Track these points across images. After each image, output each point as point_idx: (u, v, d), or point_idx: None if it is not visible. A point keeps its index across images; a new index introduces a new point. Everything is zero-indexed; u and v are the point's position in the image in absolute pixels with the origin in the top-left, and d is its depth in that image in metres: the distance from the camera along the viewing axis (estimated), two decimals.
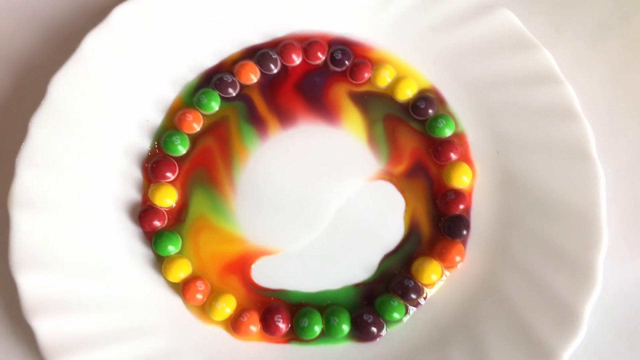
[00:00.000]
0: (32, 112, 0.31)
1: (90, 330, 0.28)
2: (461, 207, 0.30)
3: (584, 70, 0.34)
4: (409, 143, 0.32)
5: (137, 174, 0.32)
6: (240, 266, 0.30)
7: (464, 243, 0.30)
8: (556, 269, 0.28)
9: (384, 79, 0.33)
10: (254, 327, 0.29)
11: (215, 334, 0.29)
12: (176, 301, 0.30)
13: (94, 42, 0.32)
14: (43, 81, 0.31)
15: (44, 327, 0.27)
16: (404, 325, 0.29)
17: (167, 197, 0.31)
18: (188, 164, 0.32)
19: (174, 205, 0.31)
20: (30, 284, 0.28)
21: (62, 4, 0.37)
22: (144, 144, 0.32)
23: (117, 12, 0.33)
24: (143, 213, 0.31)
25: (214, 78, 0.33)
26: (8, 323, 0.30)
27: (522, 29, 0.32)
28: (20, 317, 0.28)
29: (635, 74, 0.34)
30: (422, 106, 0.32)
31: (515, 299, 0.28)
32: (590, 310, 0.27)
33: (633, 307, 0.30)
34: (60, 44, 0.36)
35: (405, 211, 0.31)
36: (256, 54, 0.34)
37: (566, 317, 0.27)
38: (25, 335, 0.29)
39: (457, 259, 0.30)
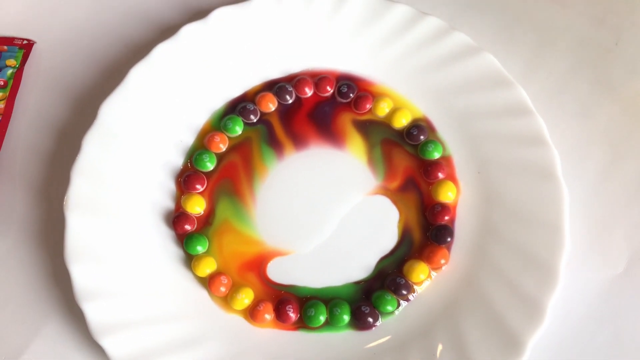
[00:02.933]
0: (85, 131, 0.35)
1: (131, 313, 0.32)
2: (446, 218, 0.34)
3: (555, 104, 0.39)
4: (403, 163, 0.36)
5: (171, 185, 0.36)
6: (257, 264, 0.34)
7: (449, 248, 0.34)
8: (525, 270, 0.31)
9: (383, 109, 0.37)
10: (269, 316, 0.32)
11: (236, 321, 0.33)
12: (202, 293, 0.33)
13: (137, 74, 0.37)
14: (95, 106, 0.36)
15: (92, 310, 0.31)
16: (396, 316, 0.33)
17: (196, 206, 0.35)
18: (215, 176, 0.36)
19: (202, 212, 0.35)
20: (81, 274, 0.32)
21: (111, 41, 0.42)
22: (178, 160, 0.37)
23: (158, 49, 0.37)
24: (176, 218, 0.35)
25: (238, 106, 0.38)
26: (64, 307, 0.34)
27: (501, 69, 0.36)
28: (73, 302, 0.32)
29: (600, 107, 0.38)
30: (415, 133, 0.36)
31: (490, 295, 0.31)
32: (553, 304, 0.30)
33: (593, 304, 0.33)
34: (110, 75, 0.41)
35: (399, 221, 0.35)
36: (274, 86, 0.38)
37: (532, 310, 0.30)
38: (77, 317, 0.33)
39: (442, 261, 0.33)
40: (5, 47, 0.40)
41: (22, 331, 0.34)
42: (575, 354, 0.33)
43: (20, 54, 0.40)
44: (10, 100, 0.38)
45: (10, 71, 0.39)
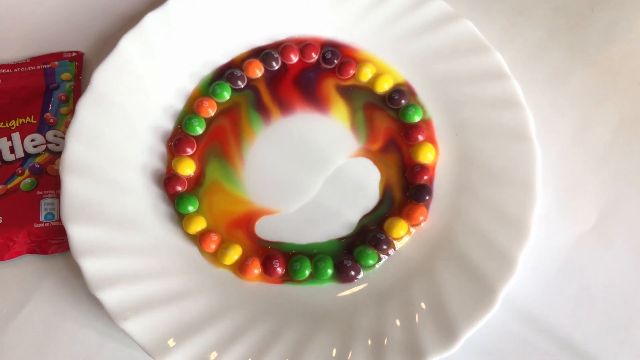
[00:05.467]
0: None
1: (126, 269, 0.33)
2: (425, 178, 0.36)
3: (531, 70, 0.40)
4: (384, 125, 0.38)
5: (162, 149, 0.37)
6: (245, 222, 0.36)
7: (427, 206, 0.35)
8: (499, 226, 0.33)
9: (365, 74, 0.39)
10: (257, 270, 0.34)
11: (225, 276, 0.34)
12: (193, 249, 0.35)
13: (128, 43, 0.38)
14: (89, 73, 0.37)
15: (89, 265, 0.32)
16: (377, 270, 0.34)
17: (187, 168, 0.37)
18: (205, 139, 0.38)
19: (192, 174, 0.37)
20: (77, 232, 0.33)
21: (103, 11, 0.43)
22: (168, 125, 0.38)
23: (148, 18, 0.39)
24: (167, 180, 0.36)
25: (226, 72, 0.39)
26: (62, 263, 0.36)
27: (479, 35, 0.38)
28: (70, 258, 0.33)
29: (574, 73, 0.40)
30: (396, 97, 0.38)
31: (466, 249, 0.33)
32: (524, 257, 0.32)
33: (562, 258, 0.35)
34: (102, 44, 0.42)
35: (380, 181, 0.37)
36: (261, 53, 0.40)
37: (505, 262, 0.32)
38: (75, 272, 0.35)
39: (421, 218, 0.35)
40: (57, 63, 0.41)
41: (23, 287, 0.36)
42: (545, 304, 0.35)
43: (72, 66, 0.41)
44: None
45: (68, 85, 0.40)
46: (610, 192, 0.37)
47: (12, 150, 0.37)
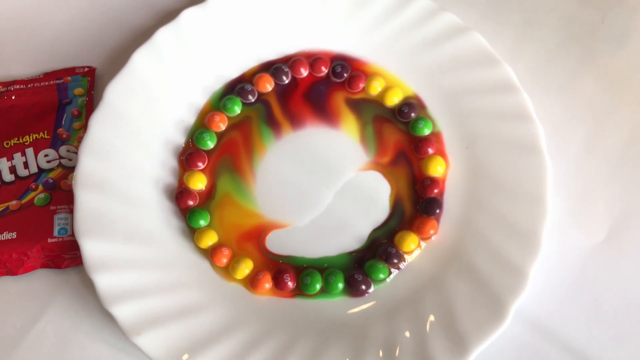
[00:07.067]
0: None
1: (138, 283, 0.33)
2: (436, 191, 0.36)
3: (542, 81, 0.40)
4: (394, 138, 0.38)
5: (174, 163, 0.38)
6: (256, 236, 0.36)
7: (437, 220, 0.35)
8: (509, 239, 0.33)
9: (375, 88, 0.39)
10: (268, 284, 0.34)
11: (236, 290, 0.35)
12: (205, 264, 0.35)
13: (140, 58, 0.38)
14: (101, 88, 0.38)
15: (102, 280, 0.33)
16: (388, 284, 0.34)
17: (198, 182, 0.37)
18: (216, 153, 0.38)
19: (203, 188, 0.37)
20: (90, 247, 0.33)
21: (115, 26, 0.44)
22: (180, 139, 0.38)
23: (159, 34, 0.39)
24: (179, 194, 0.36)
25: (236, 87, 0.39)
26: (75, 278, 0.37)
27: (488, 48, 0.38)
28: (84, 273, 0.34)
29: (584, 84, 0.40)
30: (406, 110, 0.38)
31: (476, 263, 0.33)
32: (535, 271, 0.32)
33: (574, 271, 0.35)
34: (114, 59, 0.43)
35: (390, 194, 0.37)
36: (271, 67, 0.40)
37: (515, 276, 0.32)
38: (88, 287, 0.36)
39: (432, 232, 0.35)
40: (69, 78, 0.41)
41: (37, 301, 0.36)
42: (559, 317, 0.35)
43: (85, 81, 0.41)
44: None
45: (80, 100, 0.41)
46: (622, 203, 0.37)
47: (26, 165, 0.38)
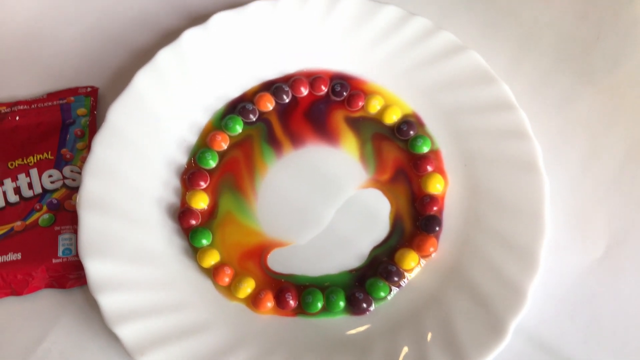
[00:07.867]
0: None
1: (142, 303, 0.34)
2: (435, 208, 0.36)
3: (538, 99, 0.41)
4: (393, 155, 0.38)
5: (176, 183, 0.38)
6: (257, 254, 0.36)
7: (437, 237, 0.36)
8: (508, 257, 0.34)
9: (374, 106, 0.39)
10: (269, 303, 0.35)
11: (238, 309, 0.35)
12: (208, 283, 0.36)
13: (142, 78, 0.39)
14: (104, 108, 0.38)
15: (106, 301, 0.33)
16: (389, 302, 0.35)
17: (200, 201, 0.37)
18: (218, 172, 0.39)
19: (206, 207, 0.38)
20: (94, 267, 0.34)
21: (116, 47, 0.44)
22: (182, 159, 0.39)
23: (161, 54, 0.39)
24: (181, 214, 0.37)
25: (237, 106, 0.40)
26: (80, 299, 0.37)
27: (485, 67, 0.38)
28: (88, 293, 0.34)
29: (581, 100, 0.40)
30: (405, 128, 0.38)
31: (476, 280, 0.34)
32: (534, 288, 0.32)
33: (572, 288, 0.36)
34: (116, 79, 0.43)
35: (390, 212, 0.37)
36: (272, 87, 0.40)
37: (515, 294, 0.32)
38: (92, 307, 0.36)
39: (431, 250, 0.35)
40: (72, 98, 0.42)
41: (41, 321, 0.36)
42: (557, 333, 0.35)
43: (88, 101, 0.42)
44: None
45: (83, 120, 0.41)
46: (620, 220, 0.37)
47: (30, 186, 0.38)
